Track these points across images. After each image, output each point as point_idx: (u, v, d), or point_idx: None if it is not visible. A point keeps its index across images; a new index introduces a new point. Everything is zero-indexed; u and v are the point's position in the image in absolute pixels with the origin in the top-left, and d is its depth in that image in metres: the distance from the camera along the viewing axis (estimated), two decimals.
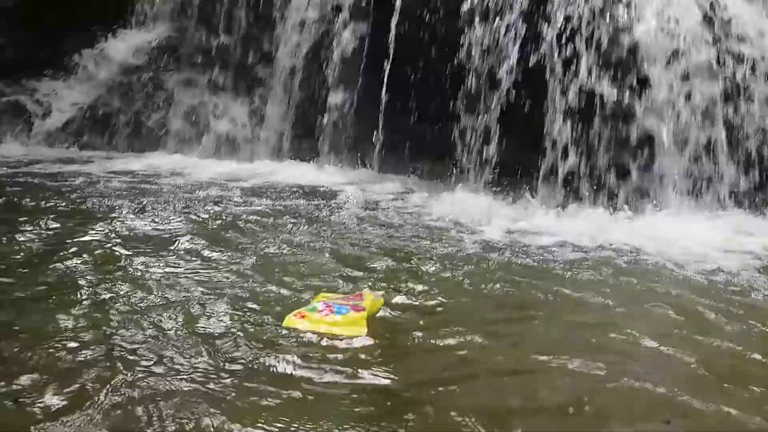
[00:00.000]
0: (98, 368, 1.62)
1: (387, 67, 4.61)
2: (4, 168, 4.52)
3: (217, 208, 3.45)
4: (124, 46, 5.80)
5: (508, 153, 4.05)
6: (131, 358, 1.68)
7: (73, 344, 1.75)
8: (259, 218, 3.26)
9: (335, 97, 4.95)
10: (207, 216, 3.27)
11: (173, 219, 3.19)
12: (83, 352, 1.71)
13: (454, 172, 4.26)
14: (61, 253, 2.54)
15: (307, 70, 5.11)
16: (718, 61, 3.59)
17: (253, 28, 5.44)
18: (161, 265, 2.47)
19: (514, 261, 2.73)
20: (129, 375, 1.58)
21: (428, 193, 4.06)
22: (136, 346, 1.76)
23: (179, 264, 2.50)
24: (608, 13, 3.76)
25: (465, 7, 4.18)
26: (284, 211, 3.48)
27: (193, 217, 3.26)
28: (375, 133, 4.71)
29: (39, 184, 4.00)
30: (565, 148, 3.81)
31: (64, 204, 3.44)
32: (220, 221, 3.19)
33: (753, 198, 3.58)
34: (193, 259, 2.57)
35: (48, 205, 3.42)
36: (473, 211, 3.52)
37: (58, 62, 5.75)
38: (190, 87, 5.54)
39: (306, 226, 3.18)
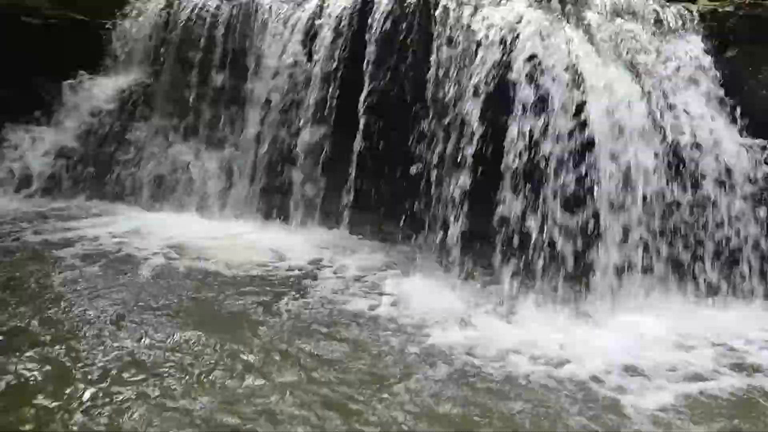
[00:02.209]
0: None
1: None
2: None
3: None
4: (95, 91, 5.80)
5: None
6: None
7: None
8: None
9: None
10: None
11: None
12: None
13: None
14: None
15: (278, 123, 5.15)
16: None
17: (228, 80, 5.46)
18: None
19: None
20: None
21: (401, 269, 4.10)
22: None
23: None
24: None
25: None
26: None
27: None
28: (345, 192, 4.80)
29: None
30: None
31: None
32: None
33: None
34: None
35: None
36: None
37: (26, 108, 5.72)
38: (161, 137, 5.56)
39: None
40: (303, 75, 5.07)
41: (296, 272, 4.01)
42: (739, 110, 4.01)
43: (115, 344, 2.94)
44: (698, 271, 3.86)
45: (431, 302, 3.61)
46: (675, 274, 3.87)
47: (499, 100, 3.81)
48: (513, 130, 3.64)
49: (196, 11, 5.67)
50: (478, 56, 3.83)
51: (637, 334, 3.35)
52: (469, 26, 3.90)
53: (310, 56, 5.03)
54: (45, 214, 4.96)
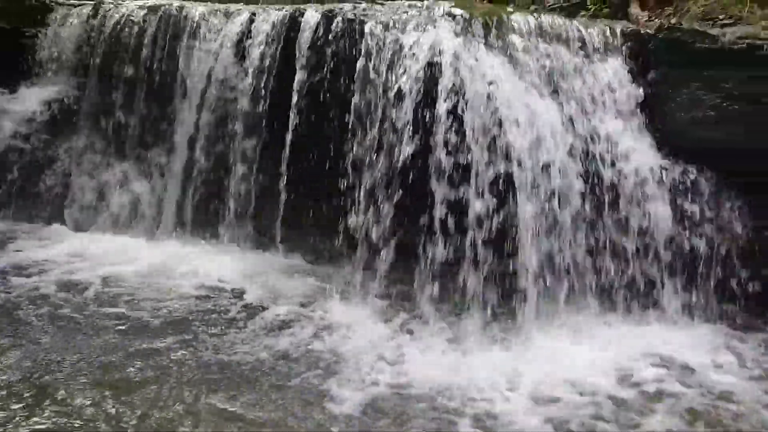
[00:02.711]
0: None
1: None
2: None
3: None
4: (16, 105, 5.54)
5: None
6: None
7: None
8: None
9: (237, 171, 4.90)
10: None
11: None
12: None
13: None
14: None
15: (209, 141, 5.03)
16: None
17: (156, 93, 5.29)
18: None
19: None
20: None
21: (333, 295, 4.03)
22: None
23: None
24: None
25: None
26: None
27: None
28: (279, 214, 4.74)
29: None
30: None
31: None
32: None
33: None
34: None
35: None
36: None
37: None
38: (88, 153, 5.36)
39: None
40: (234, 89, 4.96)
41: (224, 312, 3.86)
42: (658, 132, 4.11)
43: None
44: (623, 292, 3.96)
45: (361, 333, 3.60)
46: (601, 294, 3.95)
47: (422, 126, 3.81)
48: (435, 158, 3.65)
49: (122, 21, 5.48)
50: (401, 81, 3.82)
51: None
52: (393, 51, 3.88)
53: (241, 69, 4.93)
54: None
